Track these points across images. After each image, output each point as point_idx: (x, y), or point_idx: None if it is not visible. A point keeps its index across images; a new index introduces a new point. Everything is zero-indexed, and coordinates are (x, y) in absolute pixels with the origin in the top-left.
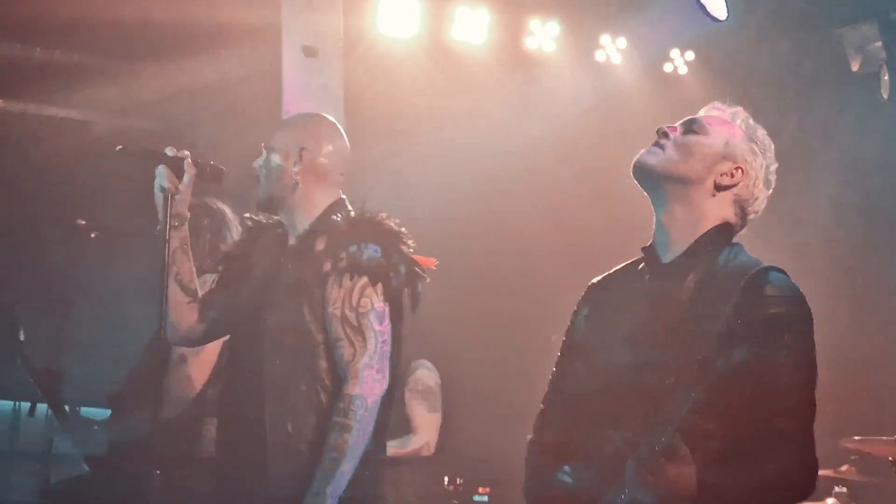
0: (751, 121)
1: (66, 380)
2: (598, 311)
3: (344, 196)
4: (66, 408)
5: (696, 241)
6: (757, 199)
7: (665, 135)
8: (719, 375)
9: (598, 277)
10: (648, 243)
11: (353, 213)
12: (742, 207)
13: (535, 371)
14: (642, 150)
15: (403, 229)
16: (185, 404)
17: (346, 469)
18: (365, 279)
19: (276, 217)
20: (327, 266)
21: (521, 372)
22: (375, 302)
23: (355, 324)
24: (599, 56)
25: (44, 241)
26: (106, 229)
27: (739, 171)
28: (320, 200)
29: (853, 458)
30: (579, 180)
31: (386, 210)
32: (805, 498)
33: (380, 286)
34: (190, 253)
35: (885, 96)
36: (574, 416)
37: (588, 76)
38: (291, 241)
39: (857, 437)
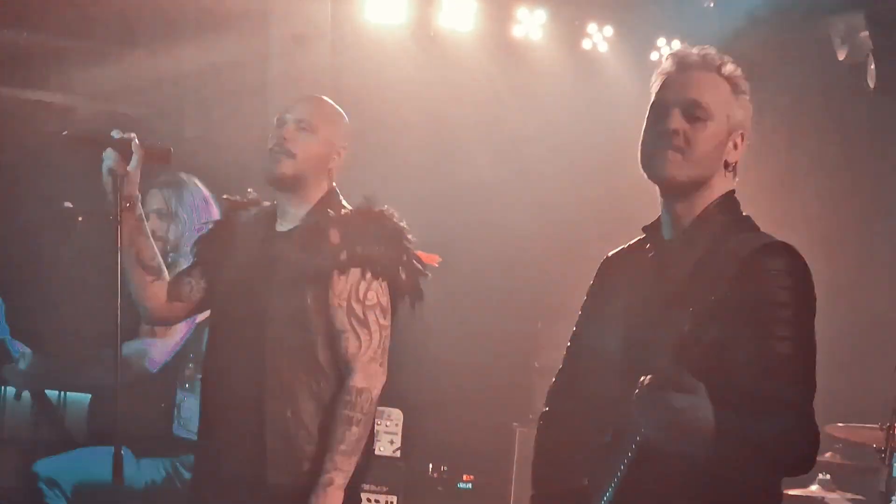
0: (726, 63)
1: (53, 362)
2: (606, 285)
3: (335, 184)
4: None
5: (699, 215)
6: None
7: (678, 133)
8: (712, 343)
9: (613, 251)
10: (653, 221)
11: (345, 204)
12: (735, 167)
13: (520, 360)
14: (659, 155)
15: (405, 224)
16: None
17: (354, 460)
18: (371, 273)
19: (251, 195)
20: (341, 257)
21: (505, 361)
22: (381, 297)
23: (361, 317)
24: (586, 44)
25: (31, 224)
26: (92, 212)
27: (741, 137)
28: (315, 191)
29: (838, 445)
30: (566, 168)
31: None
32: (807, 468)
33: (385, 282)
34: (148, 231)
35: (872, 85)
36: (580, 391)
37: (575, 64)
38: (284, 226)
39: (841, 424)
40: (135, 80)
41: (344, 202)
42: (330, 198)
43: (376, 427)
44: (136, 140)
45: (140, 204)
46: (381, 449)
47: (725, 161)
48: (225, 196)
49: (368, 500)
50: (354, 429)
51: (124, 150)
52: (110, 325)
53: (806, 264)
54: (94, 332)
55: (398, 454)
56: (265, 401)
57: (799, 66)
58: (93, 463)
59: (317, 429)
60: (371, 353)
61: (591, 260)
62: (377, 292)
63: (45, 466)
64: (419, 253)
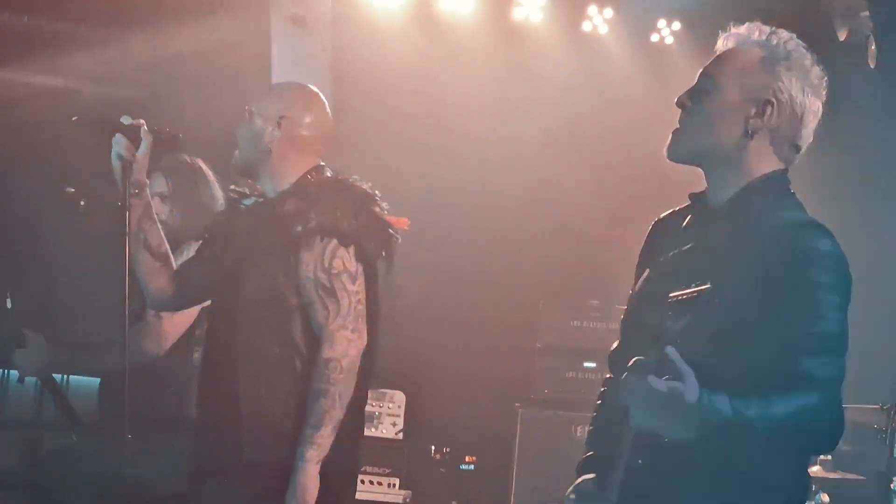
0: (768, 33)
1: (56, 347)
2: (650, 248)
3: (323, 164)
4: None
5: (741, 190)
6: (804, 120)
7: (682, 106)
8: (736, 315)
9: (665, 213)
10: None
11: (326, 176)
12: (791, 141)
13: (521, 341)
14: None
15: (376, 192)
16: (157, 361)
17: (326, 433)
18: (335, 240)
19: (257, 186)
20: (298, 228)
21: (506, 342)
22: (347, 262)
23: (328, 285)
24: (586, 26)
25: (33, 209)
26: (95, 197)
27: (769, 105)
28: (297, 168)
29: None
30: (566, 149)
31: (372, 179)
32: (831, 446)
33: (352, 247)
34: (155, 217)
35: (873, 65)
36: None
37: (575, 46)
38: (266, 208)
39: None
40: (135, 63)
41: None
42: (308, 174)
43: (378, 409)
44: (146, 126)
45: (148, 189)
46: (384, 431)
47: (748, 130)
48: (232, 187)
49: (371, 482)
50: (322, 400)
51: (133, 136)
52: (116, 309)
53: (840, 248)
54: (99, 317)
55: (401, 436)
56: (239, 379)
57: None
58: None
59: (294, 405)
60: (340, 321)
61: (592, 241)
62: (343, 259)
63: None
64: (388, 217)
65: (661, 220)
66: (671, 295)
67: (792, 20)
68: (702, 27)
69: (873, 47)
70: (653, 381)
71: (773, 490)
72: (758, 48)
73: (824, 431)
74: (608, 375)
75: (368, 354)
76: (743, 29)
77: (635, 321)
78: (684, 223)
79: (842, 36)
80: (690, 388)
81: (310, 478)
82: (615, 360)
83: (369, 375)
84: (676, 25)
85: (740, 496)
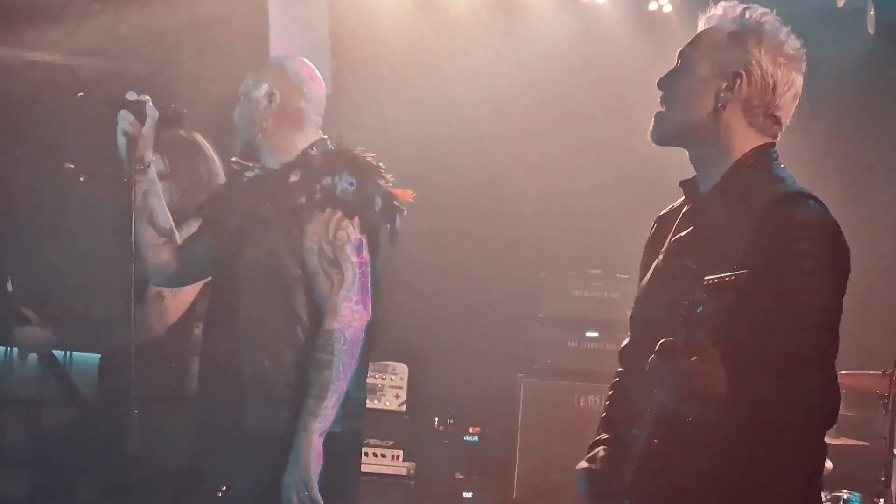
0: (742, 9)
1: (56, 323)
2: (653, 243)
3: (325, 136)
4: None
5: (729, 169)
6: (778, 90)
7: (660, 88)
8: (731, 304)
9: (665, 209)
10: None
11: (330, 148)
12: (768, 112)
13: (523, 311)
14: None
15: (381, 164)
16: (159, 338)
17: (330, 404)
18: (340, 212)
19: (256, 162)
20: (302, 199)
21: (508, 313)
22: (352, 234)
23: (332, 256)
24: None
25: (33, 186)
26: (93, 173)
27: (738, 77)
28: (298, 142)
29: (841, 392)
30: (564, 120)
31: (372, 150)
32: (827, 427)
33: (356, 219)
34: (160, 194)
35: (871, 31)
36: (637, 350)
37: (572, 16)
38: (269, 181)
39: (843, 372)
40: (131, 36)
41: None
42: (311, 147)
43: (380, 382)
44: (151, 102)
45: (153, 166)
46: (387, 403)
47: (719, 104)
48: (234, 159)
49: (375, 454)
50: (326, 371)
51: (139, 112)
52: (117, 286)
53: (831, 216)
54: (99, 294)
55: (404, 408)
56: (242, 351)
57: (798, 13)
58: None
59: (297, 376)
60: (344, 293)
61: (591, 213)
62: (347, 230)
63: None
64: (393, 190)
65: (661, 216)
66: (706, 279)
67: None
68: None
69: (872, 12)
70: (683, 363)
71: (789, 459)
72: (730, 24)
73: (817, 414)
74: (619, 369)
75: (371, 326)
76: (720, 9)
77: (645, 315)
78: (682, 211)
79: (840, 2)
80: (716, 368)
81: (312, 449)
82: (626, 355)
83: (371, 347)
84: None
85: (755, 471)
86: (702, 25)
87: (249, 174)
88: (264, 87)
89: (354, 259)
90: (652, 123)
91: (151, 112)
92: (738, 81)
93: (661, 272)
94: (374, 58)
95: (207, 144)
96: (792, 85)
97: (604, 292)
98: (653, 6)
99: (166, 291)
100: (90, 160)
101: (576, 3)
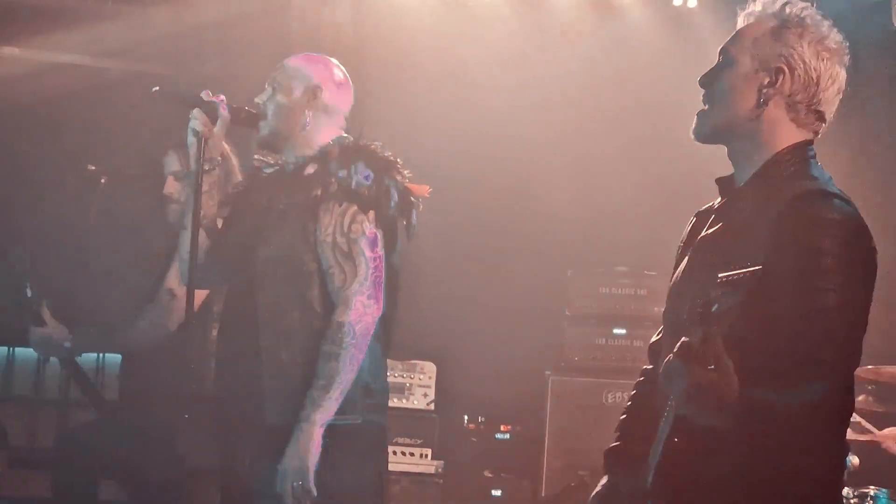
0: (782, 4)
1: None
2: (686, 238)
3: (346, 134)
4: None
5: (764, 164)
6: (821, 84)
7: (702, 84)
8: (739, 294)
9: (704, 206)
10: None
11: (346, 142)
12: (811, 107)
13: (550, 309)
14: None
15: (398, 159)
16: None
17: (335, 396)
18: (355, 206)
19: (280, 156)
20: (317, 192)
21: (535, 310)
22: (367, 228)
23: (346, 250)
24: None
25: (56, 186)
26: (115, 174)
27: (781, 72)
28: (322, 138)
29: (870, 387)
30: (590, 117)
31: (394, 149)
32: (846, 426)
33: (371, 213)
34: (216, 197)
35: None
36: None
37: (597, 13)
38: (287, 175)
39: (871, 367)
40: (155, 33)
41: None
42: (330, 142)
43: (408, 381)
44: (225, 103)
45: (217, 169)
46: (415, 402)
47: (759, 99)
48: (256, 156)
49: (403, 452)
50: (333, 363)
51: (211, 112)
52: (139, 286)
53: (857, 215)
54: (120, 295)
55: (432, 407)
56: (260, 345)
57: (822, 5)
58: (125, 428)
59: (314, 369)
60: (356, 286)
61: (619, 210)
62: (362, 224)
63: (76, 433)
64: (409, 185)
65: (699, 212)
66: (720, 276)
67: None
68: None
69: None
70: (693, 369)
71: (807, 462)
72: (771, 19)
73: (827, 426)
74: (647, 367)
75: (386, 321)
76: (759, 4)
77: (672, 312)
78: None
79: None
80: (729, 378)
81: (312, 439)
82: (654, 351)
83: (388, 343)
84: None
85: (774, 474)
86: (741, 21)
87: (268, 170)
88: (311, 80)
89: (368, 253)
90: (695, 121)
91: (223, 113)
92: (781, 76)
93: (689, 269)
94: (397, 55)
95: (227, 145)
96: (835, 79)
97: (631, 289)
98: (677, 1)
99: (178, 290)
100: (113, 161)
101: (600, 0)
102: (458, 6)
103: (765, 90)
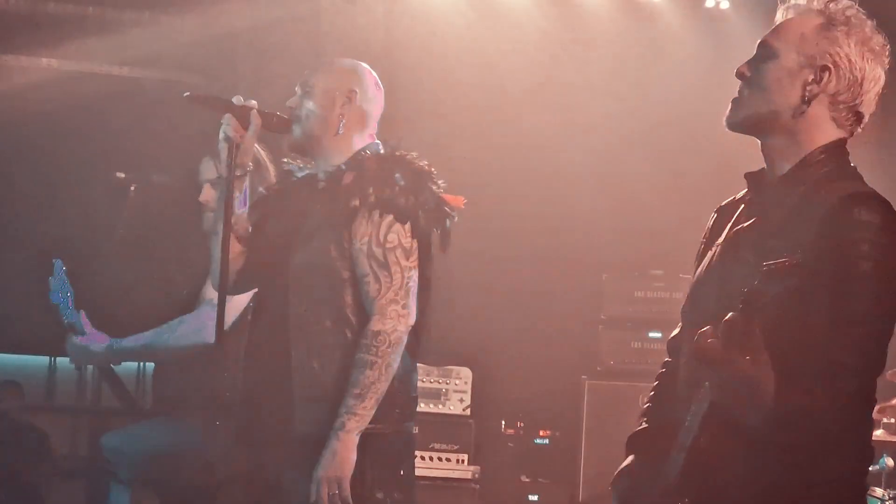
0: (827, 1)
1: (99, 321)
2: (710, 233)
3: (378, 141)
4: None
5: (799, 161)
6: (864, 85)
7: (741, 76)
8: (784, 297)
9: (725, 201)
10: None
11: (382, 152)
12: (853, 107)
13: (586, 313)
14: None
15: (433, 169)
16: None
17: (369, 405)
18: (392, 216)
19: (311, 161)
20: (355, 202)
21: (571, 315)
22: (402, 238)
23: (382, 259)
24: None
25: (87, 194)
26: (145, 181)
27: (826, 71)
28: (356, 144)
29: None
30: (622, 120)
31: (425, 155)
32: (871, 430)
33: (408, 223)
34: (248, 202)
35: None
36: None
37: (629, 17)
38: (321, 182)
39: None
40: (187, 43)
41: (382, 152)
42: (365, 149)
43: (444, 386)
44: (257, 109)
45: (248, 175)
46: (451, 408)
47: (805, 96)
48: (284, 160)
49: (440, 458)
50: (368, 372)
51: (243, 118)
52: (169, 295)
53: None
54: (158, 305)
55: (468, 412)
56: (291, 354)
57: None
58: (159, 436)
59: (348, 378)
60: (391, 295)
61: (654, 211)
62: (399, 234)
63: (112, 439)
64: (444, 195)
65: (721, 207)
66: (765, 264)
67: None
68: None
69: None
70: (733, 357)
71: (836, 458)
72: (816, 15)
73: (859, 423)
74: (666, 359)
75: (416, 331)
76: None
77: (697, 305)
78: (744, 202)
79: None
80: (766, 370)
81: (349, 447)
82: (674, 346)
83: (417, 352)
84: None
85: (800, 476)
86: (782, 15)
87: (300, 174)
88: (346, 84)
89: (404, 263)
90: (729, 108)
91: (255, 119)
92: (827, 74)
93: (718, 263)
94: (429, 62)
95: (262, 151)
96: (877, 81)
97: (666, 293)
98: (710, 3)
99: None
100: (146, 169)
101: (632, 3)
102: (489, 10)
103: (809, 87)
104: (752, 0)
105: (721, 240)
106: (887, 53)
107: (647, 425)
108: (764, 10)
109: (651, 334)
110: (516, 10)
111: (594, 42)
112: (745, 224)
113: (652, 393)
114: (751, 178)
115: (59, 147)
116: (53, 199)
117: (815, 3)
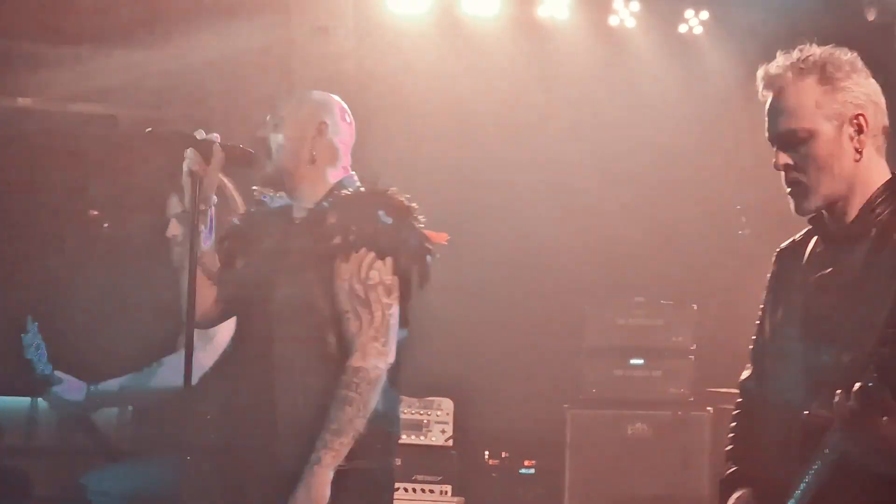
0: (800, 56)
1: (77, 368)
2: (781, 278)
3: (353, 172)
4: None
5: (864, 205)
6: (879, 102)
7: (787, 167)
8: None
9: (785, 243)
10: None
11: (362, 188)
12: (883, 129)
13: (567, 342)
14: (788, 196)
15: (414, 204)
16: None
17: (346, 440)
18: (374, 254)
19: (281, 192)
20: (337, 240)
21: (551, 344)
22: (384, 275)
23: (363, 296)
24: (613, 21)
25: (60, 232)
26: (117, 219)
27: (860, 116)
28: (330, 176)
29: None
30: (597, 148)
31: (399, 186)
32: None
33: (389, 260)
34: (214, 236)
35: None
36: (768, 385)
37: (602, 42)
38: (298, 214)
39: None
40: (157, 74)
41: (360, 186)
42: (343, 183)
43: (426, 418)
44: (219, 142)
45: (213, 208)
46: (433, 439)
47: (855, 149)
48: (255, 187)
49: (423, 489)
50: (347, 408)
51: (206, 151)
52: (145, 337)
53: None
54: (128, 346)
55: (451, 443)
56: (275, 390)
57: (828, 27)
58: (142, 475)
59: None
60: (372, 333)
61: (629, 242)
62: (380, 271)
63: (94, 479)
64: (427, 232)
65: (782, 251)
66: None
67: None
68: (731, 16)
69: None
70: (880, 422)
71: None
72: (803, 77)
73: None
74: (739, 400)
75: (395, 369)
76: (777, 68)
77: (782, 352)
78: (810, 249)
79: (870, 16)
80: None
81: (323, 483)
82: (749, 388)
83: (399, 386)
84: (705, 15)
85: None
86: (770, 92)
87: (273, 204)
88: (316, 116)
89: (385, 300)
90: (794, 201)
91: (218, 152)
92: (862, 119)
93: (803, 312)
94: (400, 93)
95: (229, 183)
96: (880, 92)
97: (648, 320)
98: (683, 28)
99: (197, 340)
100: (115, 206)
101: (606, 28)
102: (460, 39)
103: (856, 140)
104: (724, 24)
105: (799, 286)
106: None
107: (736, 468)
108: (736, 35)
109: (633, 361)
110: (487, 41)
111: (567, 68)
112: (825, 272)
113: (732, 435)
114: (816, 224)
115: (33, 184)
116: (26, 236)
117: (788, 70)
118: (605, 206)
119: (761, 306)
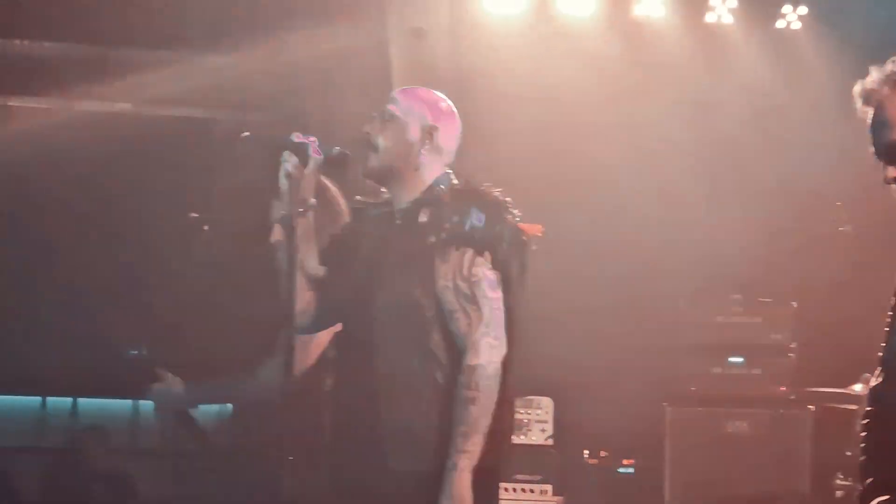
0: (889, 66)
1: (178, 368)
2: None
3: (450, 170)
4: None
5: None
6: None
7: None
8: None
9: None
10: None
11: (457, 185)
12: None
13: (665, 340)
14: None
15: (508, 198)
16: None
17: (477, 440)
18: (471, 249)
19: (384, 196)
20: (431, 238)
21: (650, 342)
22: (486, 270)
23: (469, 293)
24: (709, 17)
25: (162, 235)
26: (217, 221)
27: None
28: (430, 176)
29: None
30: (696, 144)
31: (500, 186)
32: None
33: (487, 254)
34: (314, 239)
35: None
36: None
37: (698, 39)
38: (397, 217)
39: None
40: (255, 78)
41: (455, 183)
42: (438, 181)
43: (525, 416)
44: (316, 144)
45: (312, 212)
46: (533, 438)
47: None
48: (357, 197)
49: (523, 489)
50: (472, 408)
51: (302, 154)
52: (247, 336)
53: None
54: (230, 345)
55: (551, 442)
56: (380, 393)
57: None
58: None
59: (437, 414)
60: (483, 328)
61: (729, 236)
62: (481, 267)
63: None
64: (521, 224)
65: None
66: None
67: None
68: (829, 9)
69: None
70: None
71: None
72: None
73: None
74: (869, 408)
75: (507, 362)
76: (871, 83)
77: None
78: None
79: None
80: None
81: (465, 487)
82: (882, 395)
83: (509, 383)
84: (803, 10)
85: None
86: (864, 104)
87: (374, 211)
88: (428, 120)
89: (490, 295)
90: None
91: (315, 154)
92: None
93: None
94: (498, 93)
95: (332, 185)
96: None
97: (745, 317)
98: (780, 24)
99: (296, 344)
100: (215, 208)
101: (702, 25)
102: (555, 40)
103: None
104: (823, 19)
105: None
106: None
107: (872, 480)
108: (836, 30)
109: (731, 359)
110: (583, 40)
111: (666, 66)
112: None
113: (864, 445)
114: None
115: (130, 188)
116: (125, 242)
117: (885, 84)
118: (703, 203)
119: (889, 312)
